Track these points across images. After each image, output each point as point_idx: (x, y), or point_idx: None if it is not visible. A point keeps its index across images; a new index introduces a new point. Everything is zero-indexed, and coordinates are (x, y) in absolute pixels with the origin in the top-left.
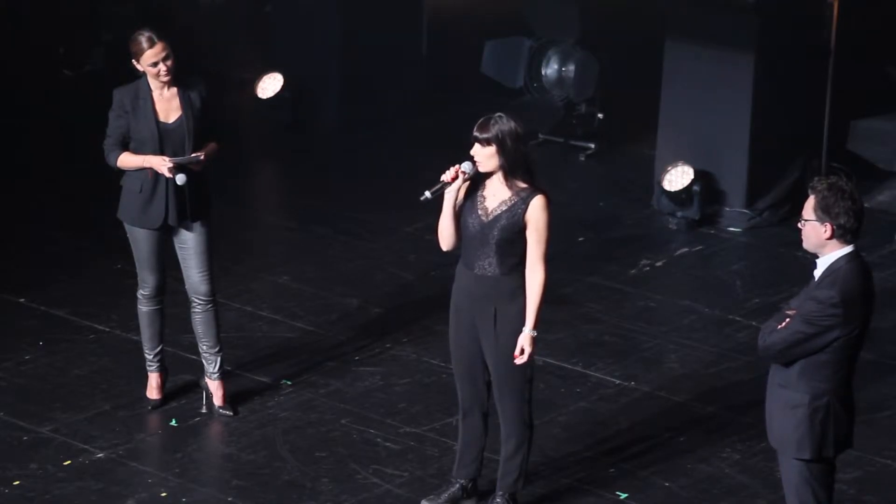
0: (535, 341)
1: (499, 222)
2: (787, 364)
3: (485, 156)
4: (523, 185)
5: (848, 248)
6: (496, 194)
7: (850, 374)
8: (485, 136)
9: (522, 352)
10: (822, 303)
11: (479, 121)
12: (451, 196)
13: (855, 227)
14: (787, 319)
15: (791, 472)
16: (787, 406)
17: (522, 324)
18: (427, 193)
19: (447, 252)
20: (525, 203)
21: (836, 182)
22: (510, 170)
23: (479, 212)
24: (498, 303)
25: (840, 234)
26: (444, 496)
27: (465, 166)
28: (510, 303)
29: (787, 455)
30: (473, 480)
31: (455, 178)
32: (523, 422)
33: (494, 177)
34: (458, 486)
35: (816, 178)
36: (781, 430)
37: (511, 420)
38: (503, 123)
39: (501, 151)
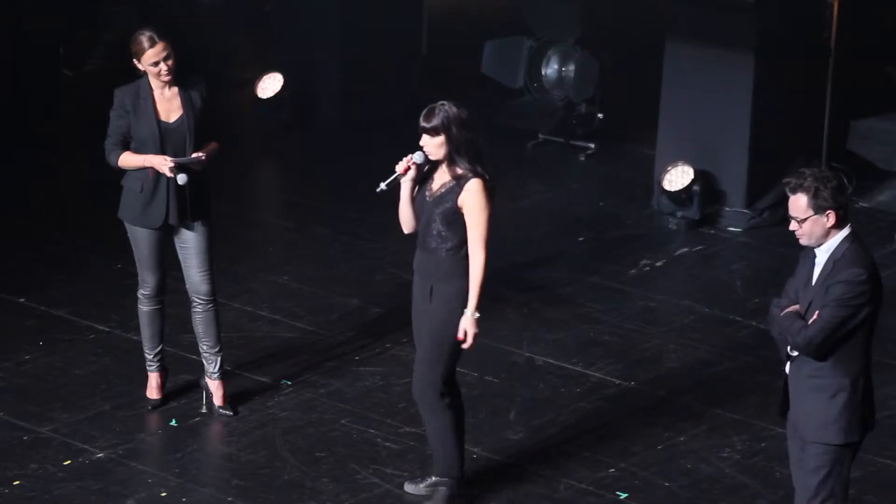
0: (478, 323)
1: (439, 205)
2: (825, 356)
3: (434, 145)
4: (462, 171)
5: (846, 231)
6: (441, 178)
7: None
8: (431, 125)
9: (466, 335)
10: (851, 282)
11: (425, 110)
12: (407, 185)
13: (847, 202)
14: (817, 313)
15: (822, 460)
16: (824, 395)
17: (455, 304)
18: (382, 185)
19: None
20: (460, 187)
21: (814, 172)
22: (451, 156)
23: (427, 194)
24: (434, 281)
25: (842, 216)
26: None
27: (417, 156)
28: (445, 283)
29: (826, 443)
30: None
31: (408, 170)
32: (442, 403)
33: (444, 162)
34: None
35: (793, 179)
36: (821, 420)
37: (428, 401)
38: (448, 110)
39: (448, 139)
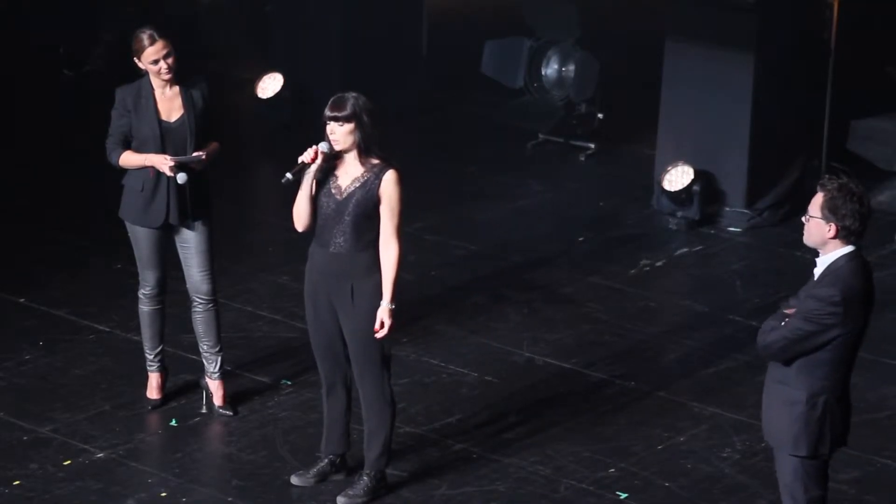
0: (393, 314)
1: (353, 199)
2: (786, 362)
3: (343, 133)
4: (376, 161)
5: (849, 248)
6: (349, 172)
7: (847, 373)
8: (343, 113)
9: (382, 325)
10: (822, 300)
11: (331, 100)
12: (309, 177)
13: (859, 229)
14: (785, 322)
15: (785, 468)
16: (784, 403)
17: (380, 298)
18: (288, 175)
19: (303, 232)
20: (378, 178)
21: (847, 183)
22: (365, 146)
23: (333, 191)
24: (354, 279)
25: (844, 235)
26: (313, 471)
27: (323, 146)
28: (366, 279)
29: (783, 451)
30: (342, 456)
31: (314, 159)
32: (383, 399)
33: (348, 155)
34: (326, 461)
35: (827, 176)
36: (778, 427)
37: (369, 397)
38: (358, 100)
39: (359, 127)
